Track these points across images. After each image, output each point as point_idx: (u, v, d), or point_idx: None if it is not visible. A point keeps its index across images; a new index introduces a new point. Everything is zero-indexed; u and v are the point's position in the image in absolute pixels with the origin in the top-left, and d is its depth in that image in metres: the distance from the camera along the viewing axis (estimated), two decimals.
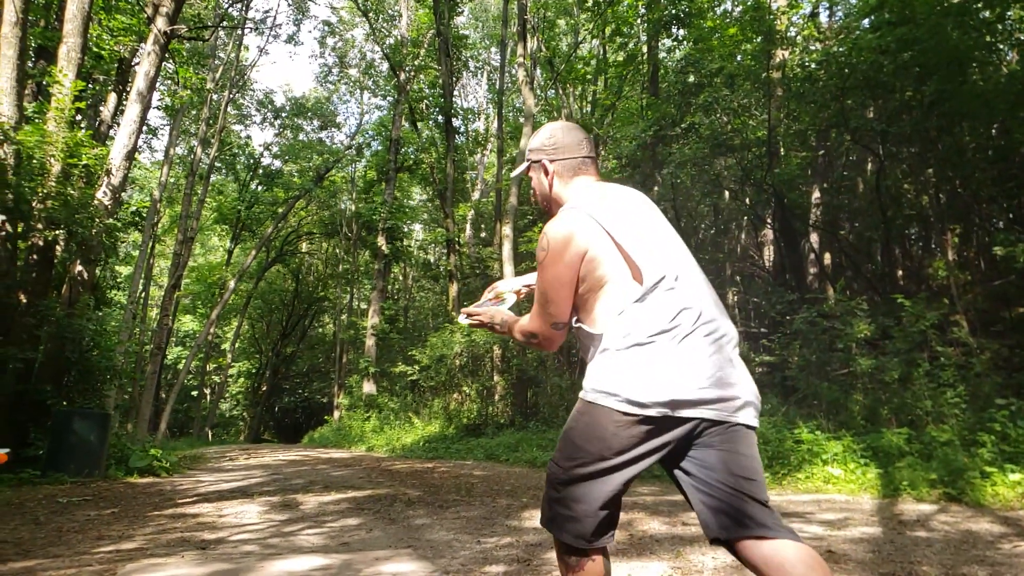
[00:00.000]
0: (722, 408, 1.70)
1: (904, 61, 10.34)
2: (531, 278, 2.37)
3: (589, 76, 21.79)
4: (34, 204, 8.58)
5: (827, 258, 13.01)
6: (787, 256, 13.43)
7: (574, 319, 1.95)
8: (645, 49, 17.94)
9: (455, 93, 25.80)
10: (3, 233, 8.37)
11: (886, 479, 6.49)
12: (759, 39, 12.57)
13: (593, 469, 1.74)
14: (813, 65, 11.60)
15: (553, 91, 24.06)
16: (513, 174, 2.44)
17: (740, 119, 13.24)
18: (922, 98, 10.52)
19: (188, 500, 6.65)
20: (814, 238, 12.81)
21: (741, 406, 1.72)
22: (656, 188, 14.58)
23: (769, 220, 14.42)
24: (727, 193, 15.78)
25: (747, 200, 14.91)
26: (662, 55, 18.36)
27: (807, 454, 7.37)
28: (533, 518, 5.07)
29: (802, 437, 7.57)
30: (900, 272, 13.37)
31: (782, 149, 13.42)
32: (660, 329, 1.73)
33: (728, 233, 17.96)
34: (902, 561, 3.55)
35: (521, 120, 23.95)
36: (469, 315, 2.22)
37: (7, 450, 4.32)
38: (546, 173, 2.13)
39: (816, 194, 12.97)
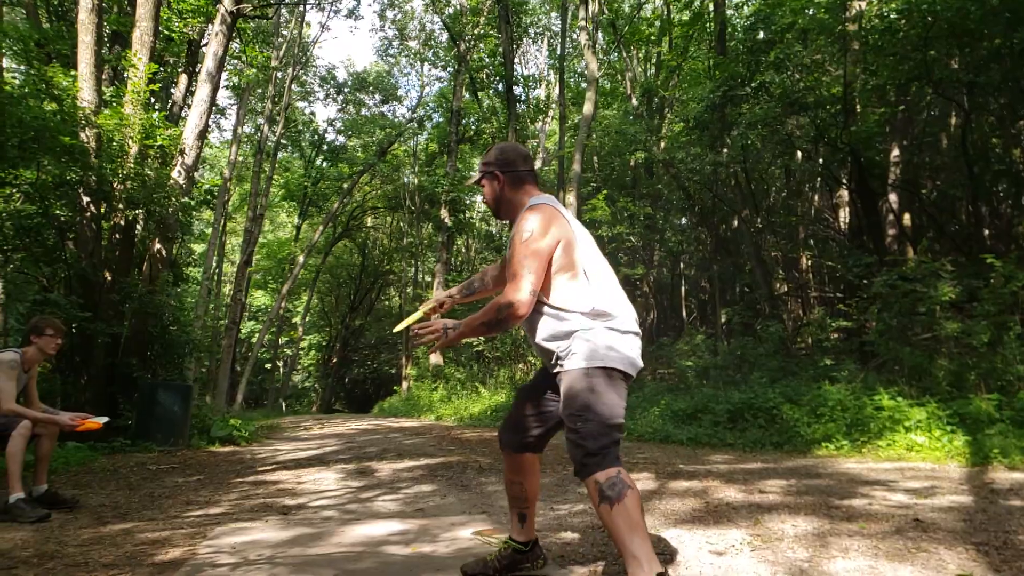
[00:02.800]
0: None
1: (993, 6, 9.66)
2: (456, 290, 2.93)
3: (653, 37, 21.23)
4: (115, 185, 8.90)
5: (907, 219, 12.38)
6: (864, 217, 12.87)
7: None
8: (711, 7, 17.33)
9: (516, 61, 25.50)
10: (88, 214, 8.72)
11: (975, 447, 6.20)
12: None
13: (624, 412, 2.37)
14: (893, 15, 10.93)
15: (616, 54, 23.56)
16: (468, 183, 2.86)
17: (813, 76, 12.61)
18: (1012, 46, 9.84)
19: (268, 468, 6.87)
20: (893, 198, 12.21)
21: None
22: (725, 151, 14.15)
23: (845, 180, 13.82)
24: (799, 154, 15.19)
25: (821, 160, 14.31)
26: (729, 12, 17.68)
27: (888, 421, 7.10)
28: None
29: (882, 404, 7.30)
30: (988, 231, 12.65)
31: (858, 106, 12.78)
32: (613, 312, 2.40)
33: (801, 195, 17.33)
34: (996, 530, 3.37)
35: (583, 85, 23.56)
36: (417, 334, 2.45)
37: (106, 419, 4.53)
38: (498, 181, 2.63)
39: (895, 152, 12.33)
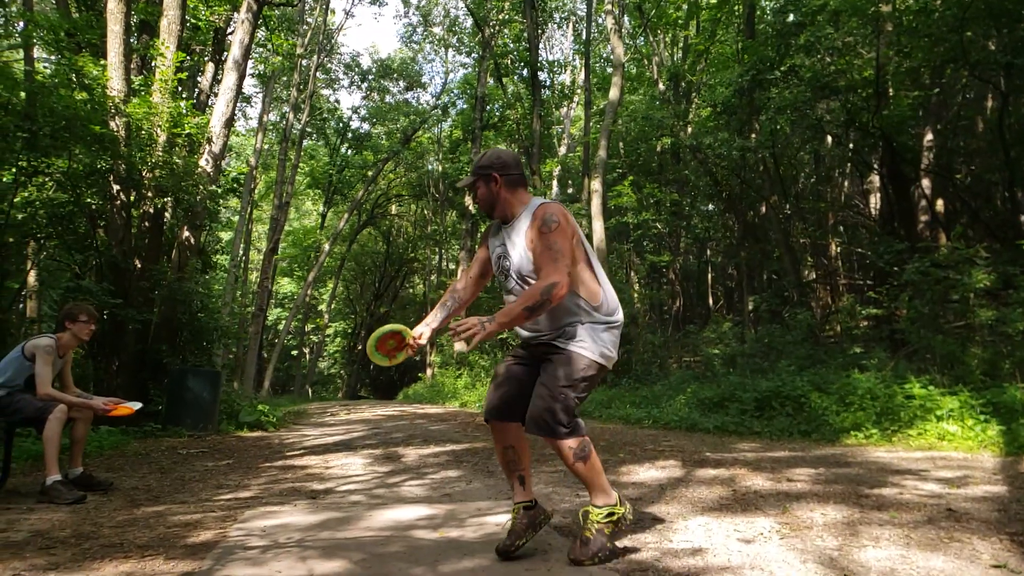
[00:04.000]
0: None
1: None
2: (432, 319, 3.05)
3: (680, 21, 20.92)
4: (144, 173, 9.01)
5: (940, 205, 12.15)
6: (895, 203, 12.63)
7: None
8: None
9: (540, 46, 25.34)
10: (119, 202, 8.85)
11: (1009, 436, 6.09)
12: None
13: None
14: None
15: (642, 38, 23.30)
16: (460, 183, 3.02)
17: (845, 59, 12.35)
18: None
19: (296, 453, 6.95)
20: (926, 183, 11.97)
21: None
22: (753, 136, 13.95)
23: (876, 166, 13.57)
24: (829, 139, 14.94)
25: (851, 145, 14.06)
26: None
27: (919, 410, 7.00)
28: (631, 473, 5.03)
29: (913, 392, 7.19)
30: None
31: (891, 89, 12.52)
32: (616, 313, 2.83)
33: (830, 181, 17.05)
34: None
35: (609, 71, 23.36)
36: (455, 331, 2.59)
37: (139, 404, 4.61)
38: (495, 183, 2.83)
39: (929, 136, 12.07)
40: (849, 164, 16.15)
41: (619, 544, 2.99)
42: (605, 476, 2.84)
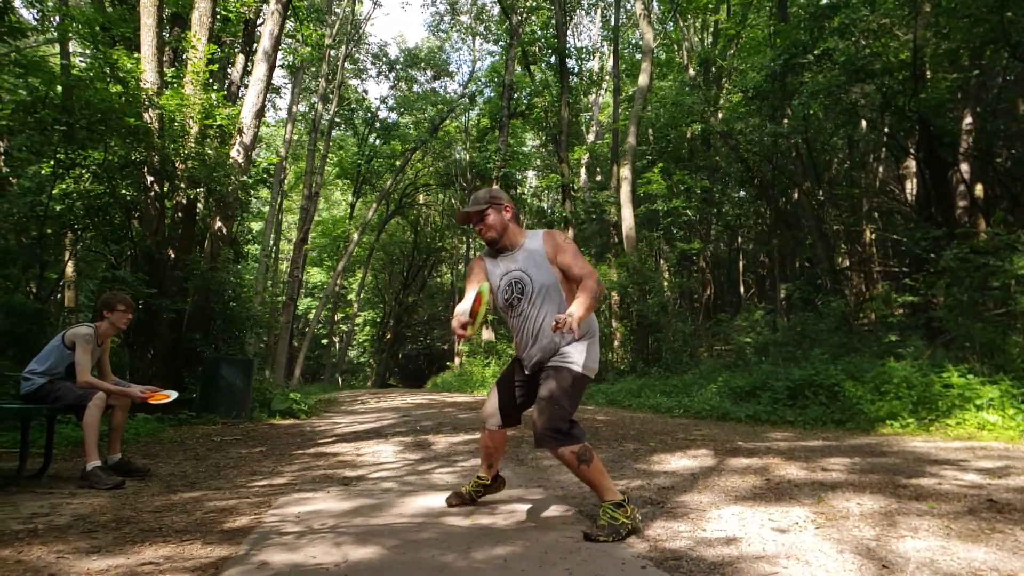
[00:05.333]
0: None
1: None
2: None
3: (711, 5, 20.64)
4: (177, 165, 9.12)
5: (979, 189, 11.82)
6: (933, 189, 12.34)
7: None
8: None
9: (568, 32, 25.16)
10: (152, 193, 8.98)
11: None
12: None
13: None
14: None
15: (672, 23, 23.01)
16: (471, 210, 3.23)
17: (881, 41, 12.04)
18: None
19: (328, 440, 7.02)
20: (965, 168, 11.66)
21: None
22: (785, 121, 13.72)
23: (912, 150, 13.27)
24: (864, 123, 14.63)
25: (887, 130, 13.76)
26: None
27: (958, 399, 6.87)
28: (663, 462, 5.00)
29: (952, 381, 7.06)
30: None
31: (929, 72, 12.21)
32: (594, 326, 3.19)
33: (865, 166, 16.71)
34: None
35: (638, 56, 23.16)
36: (559, 328, 2.79)
37: (175, 393, 4.68)
38: (508, 212, 3.25)
39: (968, 119, 11.74)
40: (884, 149, 15.81)
41: (650, 533, 2.98)
42: (608, 477, 3.04)
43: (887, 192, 15.89)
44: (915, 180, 14.44)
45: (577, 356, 3.08)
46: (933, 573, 2.40)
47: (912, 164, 14.19)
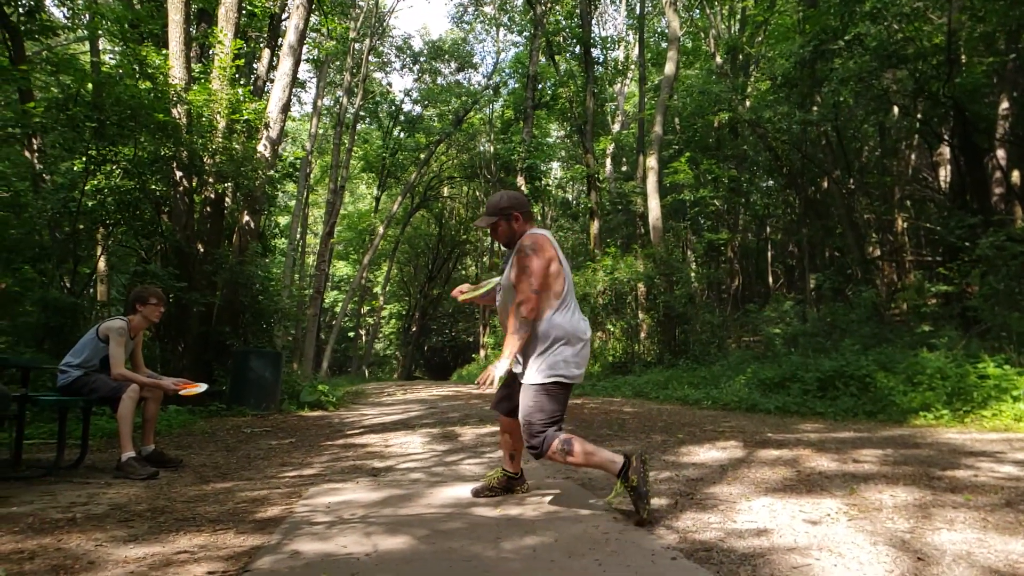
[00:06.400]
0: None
1: None
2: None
3: None
4: (205, 160, 9.22)
5: (1016, 176, 11.56)
6: (967, 176, 12.08)
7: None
8: None
9: (593, 22, 24.95)
10: (182, 188, 9.09)
11: None
12: None
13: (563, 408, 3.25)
14: None
15: (698, 11, 22.75)
16: (479, 224, 3.38)
17: (914, 25, 11.77)
18: None
19: (356, 432, 7.08)
20: (1001, 154, 11.39)
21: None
22: (815, 109, 13.50)
23: (946, 137, 13.00)
24: (896, 110, 14.34)
25: (920, 116, 13.50)
26: None
27: (994, 390, 6.73)
28: (691, 454, 4.97)
29: (988, 372, 6.92)
30: None
31: (963, 56, 11.93)
32: (572, 333, 3.18)
33: (897, 154, 16.40)
34: None
35: (664, 45, 22.93)
36: (481, 385, 3.16)
37: (206, 385, 4.75)
38: (516, 221, 3.33)
39: (1004, 104, 11.46)
40: (917, 136, 15.51)
41: (680, 524, 2.96)
42: (602, 450, 3.12)
43: (920, 180, 15.59)
44: (949, 167, 14.15)
45: (534, 373, 3.15)
46: (970, 566, 2.36)
47: (946, 151, 13.90)
